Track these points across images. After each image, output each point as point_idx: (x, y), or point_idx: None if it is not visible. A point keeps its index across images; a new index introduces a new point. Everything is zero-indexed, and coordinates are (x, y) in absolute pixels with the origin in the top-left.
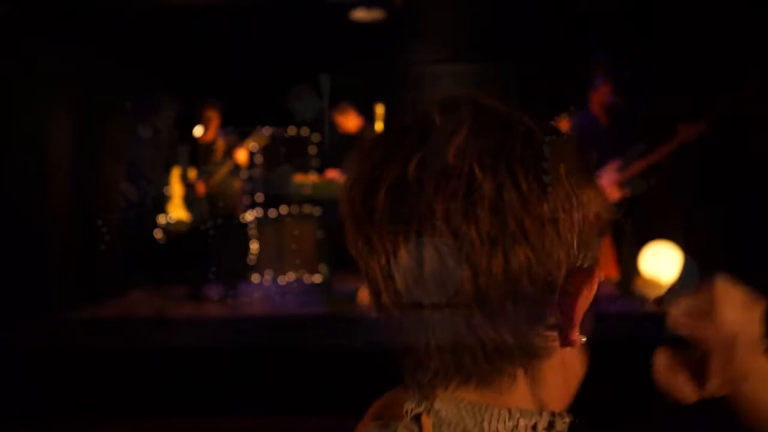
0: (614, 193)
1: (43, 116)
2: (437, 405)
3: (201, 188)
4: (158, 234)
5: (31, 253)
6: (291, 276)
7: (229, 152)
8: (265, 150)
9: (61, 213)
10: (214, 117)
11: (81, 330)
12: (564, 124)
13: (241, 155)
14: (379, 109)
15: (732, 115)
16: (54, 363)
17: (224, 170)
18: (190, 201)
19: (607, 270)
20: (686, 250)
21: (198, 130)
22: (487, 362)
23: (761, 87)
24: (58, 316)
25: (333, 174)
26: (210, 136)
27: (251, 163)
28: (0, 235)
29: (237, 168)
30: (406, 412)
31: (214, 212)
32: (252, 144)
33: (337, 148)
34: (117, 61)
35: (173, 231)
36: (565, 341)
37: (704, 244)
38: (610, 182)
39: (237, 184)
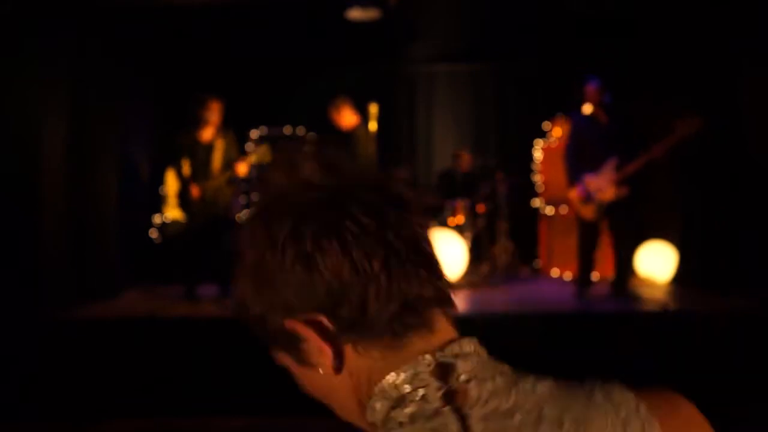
0: (611, 192)
1: (40, 117)
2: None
3: (196, 191)
4: (154, 234)
5: (26, 253)
6: None
7: (228, 164)
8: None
9: (56, 214)
10: (215, 116)
11: (77, 330)
12: (563, 124)
13: (242, 168)
14: (373, 108)
15: (729, 114)
16: (52, 363)
17: (222, 179)
18: (185, 201)
19: (603, 269)
20: (683, 249)
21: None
22: None
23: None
24: (53, 317)
25: None
26: (209, 135)
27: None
28: None
29: (235, 179)
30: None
31: (209, 212)
32: (254, 158)
33: (333, 146)
34: (116, 61)
35: (169, 231)
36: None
37: (701, 244)
38: (607, 181)
39: (232, 187)
